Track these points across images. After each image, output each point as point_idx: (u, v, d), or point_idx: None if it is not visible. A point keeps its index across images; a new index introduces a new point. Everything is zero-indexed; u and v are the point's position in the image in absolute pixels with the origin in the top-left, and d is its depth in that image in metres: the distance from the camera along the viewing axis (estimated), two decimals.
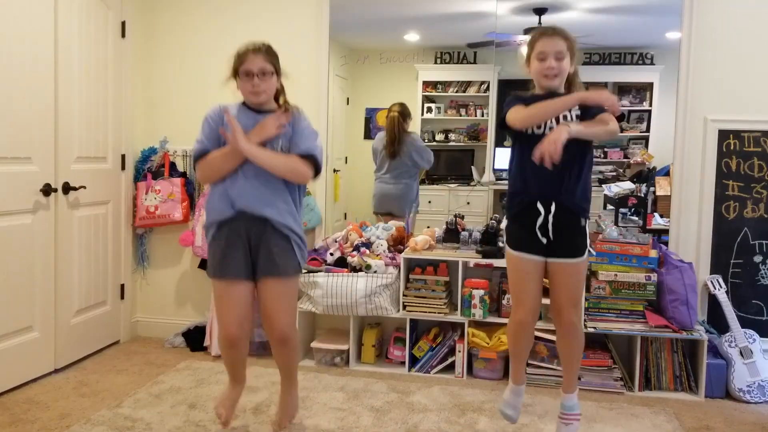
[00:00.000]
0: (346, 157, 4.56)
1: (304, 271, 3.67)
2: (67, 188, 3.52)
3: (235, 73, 2.54)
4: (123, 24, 3.98)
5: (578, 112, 2.52)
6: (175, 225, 4.07)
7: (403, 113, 4.31)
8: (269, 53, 2.56)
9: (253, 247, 2.55)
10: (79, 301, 3.69)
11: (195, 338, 3.96)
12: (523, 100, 2.57)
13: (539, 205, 2.52)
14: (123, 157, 4.04)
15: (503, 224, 3.42)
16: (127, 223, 4.09)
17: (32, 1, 3.26)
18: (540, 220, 2.52)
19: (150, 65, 4.22)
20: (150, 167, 4.11)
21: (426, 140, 4.60)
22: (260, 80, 2.50)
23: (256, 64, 2.49)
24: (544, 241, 2.54)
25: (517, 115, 2.50)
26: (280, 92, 2.66)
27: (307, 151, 2.55)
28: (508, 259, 2.67)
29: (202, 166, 2.55)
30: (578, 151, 2.49)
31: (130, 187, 4.10)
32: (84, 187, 3.62)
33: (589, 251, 2.63)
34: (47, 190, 3.38)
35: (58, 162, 3.47)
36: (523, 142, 2.54)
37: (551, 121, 2.49)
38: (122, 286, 4.10)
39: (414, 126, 4.60)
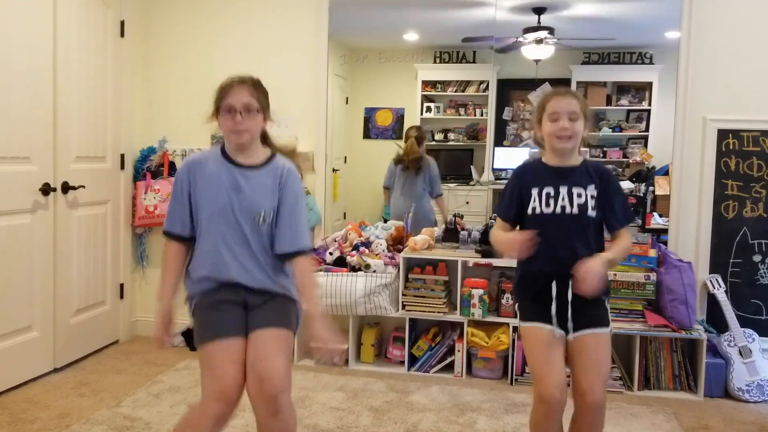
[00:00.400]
0: (345, 157, 4.56)
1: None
2: (66, 188, 3.52)
3: (217, 109, 2.18)
4: (122, 23, 3.97)
5: (594, 193, 2.26)
6: None
7: (419, 137, 4.34)
8: (257, 87, 2.21)
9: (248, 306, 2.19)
10: (78, 301, 3.69)
11: (193, 337, 3.95)
12: (524, 178, 2.35)
13: (554, 289, 2.25)
14: (122, 156, 4.03)
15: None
16: (126, 223, 4.09)
17: (31, 0, 3.25)
18: (554, 306, 2.25)
19: (149, 64, 4.22)
20: (149, 167, 4.11)
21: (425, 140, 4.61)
22: (243, 117, 2.13)
23: (239, 99, 2.13)
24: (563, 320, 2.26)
25: (493, 240, 2.38)
26: (266, 136, 2.30)
27: (295, 248, 2.16)
28: (523, 334, 2.35)
29: (163, 255, 2.22)
30: (584, 249, 2.23)
31: (129, 187, 4.10)
32: (83, 187, 3.62)
33: (612, 330, 2.33)
34: (46, 189, 3.38)
35: (57, 161, 3.47)
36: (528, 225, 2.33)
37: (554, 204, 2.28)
38: (121, 285, 4.10)
39: (413, 125, 4.61)
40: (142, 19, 4.16)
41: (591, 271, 2.12)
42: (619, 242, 2.28)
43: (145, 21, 4.18)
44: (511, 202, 2.36)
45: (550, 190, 2.29)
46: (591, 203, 2.25)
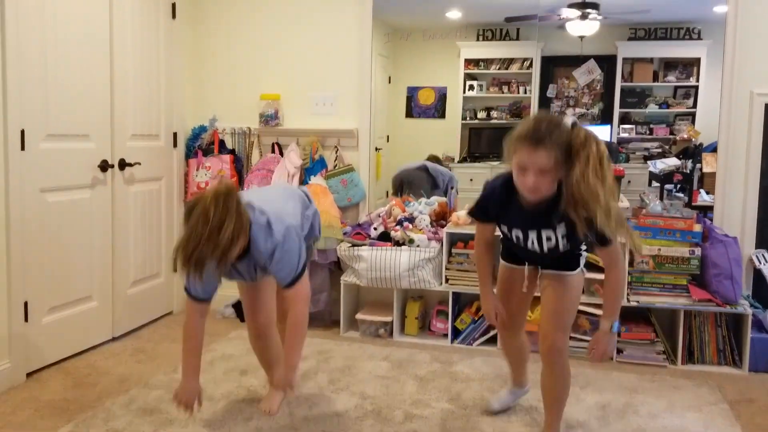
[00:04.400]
0: (388, 136, 4.62)
1: (346, 244, 3.77)
2: (122, 164, 3.67)
3: None
4: (173, 5, 4.09)
5: (564, 232, 2.25)
6: None
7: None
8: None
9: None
10: (135, 273, 3.86)
11: None
12: (498, 203, 2.32)
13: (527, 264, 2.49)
14: (175, 135, 4.17)
15: None
16: (179, 199, 4.23)
17: None
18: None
19: (199, 45, 4.34)
20: (200, 144, 4.24)
21: (467, 118, 4.64)
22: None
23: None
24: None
25: (475, 247, 2.55)
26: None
27: (286, 281, 2.40)
28: (500, 272, 2.62)
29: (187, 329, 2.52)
30: (558, 230, 2.27)
31: (181, 164, 4.25)
32: (139, 164, 3.77)
33: (582, 270, 2.44)
34: (104, 166, 3.54)
35: (114, 139, 3.62)
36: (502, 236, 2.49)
37: (527, 239, 2.34)
38: (175, 259, 4.25)
39: (455, 104, 4.64)
40: (192, 1, 4.27)
41: (605, 350, 2.33)
42: (609, 287, 2.34)
43: (196, 3, 4.29)
44: (487, 212, 2.41)
45: (519, 233, 2.34)
46: (562, 243, 2.27)
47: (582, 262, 2.42)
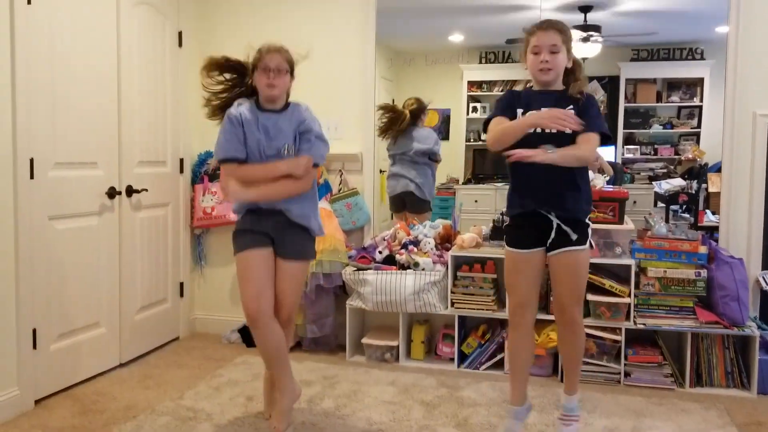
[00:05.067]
0: None
1: (351, 268, 3.78)
2: (130, 191, 3.71)
3: (254, 68, 2.75)
4: (180, 34, 4.16)
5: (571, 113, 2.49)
6: (231, 225, 4.15)
7: (419, 109, 4.37)
8: (285, 53, 2.78)
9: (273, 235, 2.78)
10: (141, 299, 3.88)
11: (250, 334, 4.05)
12: (516, 97, 2.64)
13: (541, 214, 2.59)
14: (181, 161, 4.22)
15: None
16: (185, 224, 4.27)
17: (95, 15, 3.45)
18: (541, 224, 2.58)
19: None
20: (206, 170, 4.28)
21: (471, 140, 4.66)
22: (275, 75, 2.69)
23: (273, 61, 2.70)
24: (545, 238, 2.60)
25: (490, 136, 2.57)
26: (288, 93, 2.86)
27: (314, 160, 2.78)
28: (506, 257, 2.72)
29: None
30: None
31: (187, 190, 4.28)
32: (146, 190, 3.80)
33: (590, 243, 2.64)
34: (112, 192, 3.57)
35: (122, 166, 3.66)
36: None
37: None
38: (181, 284, 4.28)
39: (459, 126, 4.67)
40: (198, 29, 4.34)
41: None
42: (580, 142, 2.48)
43: (201, 31, 4.36)
44: (505, 110, 2.61)
45: (533, 111, 2.54)
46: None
47: (590, 233, 2.62)
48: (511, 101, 2.62)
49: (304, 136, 2.75)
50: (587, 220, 2.62)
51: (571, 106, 2.51)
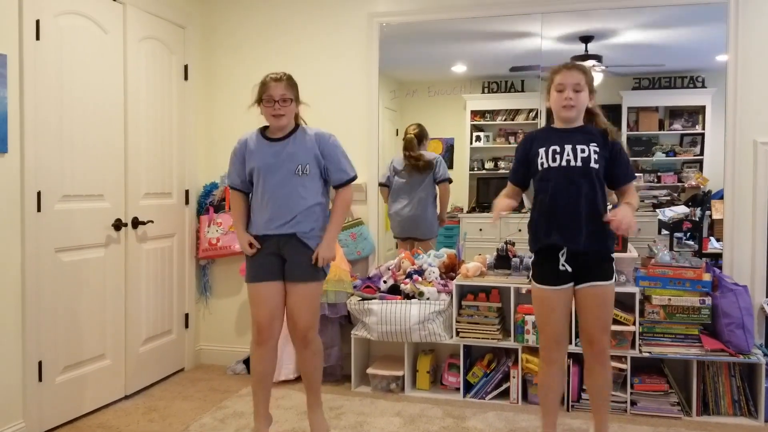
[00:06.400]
0: None
1: (356, 298, 3.79)
2: (136, 223, 3.74)
3: (259, 100, 2.88)
4: (186, 67, 4.23)
5: (596, 149, 2.65)
6: (236, 256, 4.24)
7: (420, 135, 4.39)
8: (288, 81, 2.89)
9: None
10: (147, 330, 3.89)
11: None
12: (532, 140, 2.77)
13: (563, 249, 2.68)
14: (187, 192, 4.26)
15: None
16: (190, 255, 4.29)
17: (103, 49, 3.52)
18: (563, 257, 2.67)
19: (211, 105, 4.46)
20: (212, 201, 4.31)
21: (475, 168, 4.68)
22: (281, 106, 2.83)
23: (277, 91, 2.83)
24: (570, 269, 2.66)
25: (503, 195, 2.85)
26: (297, 116, 2.99)
27: (342, 180, 2.95)
28: (534, 294, 2.80)
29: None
30: (591, 192, 2.64)
31: (193, 221, 4.32)
32: (152, 222, 3.84)
33: (615, 278, 2.74)
34: (118, 225, 3.60)
35: (128, 198, 3.70)
36: (538, 187, 2.74)
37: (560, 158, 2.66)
38: (186, 315, 4.29)
39: (463, 155, 4.69)
40: (204, 63, 4.41)
41: (624, 215, 2.53)
42: (630, 193, 2.71)
43: (207, 65, 4.43)
44: (518, 166, 2.80)
45: (556, 147, 2.67)
46: (594, 156, 2.63)
47: (614, 268, 2.73)
48: (528, 147, 2.76)
49: (328, 158, 2.91)
50: (612, 255, 2.72)
51: (595, 143, 2.65)
